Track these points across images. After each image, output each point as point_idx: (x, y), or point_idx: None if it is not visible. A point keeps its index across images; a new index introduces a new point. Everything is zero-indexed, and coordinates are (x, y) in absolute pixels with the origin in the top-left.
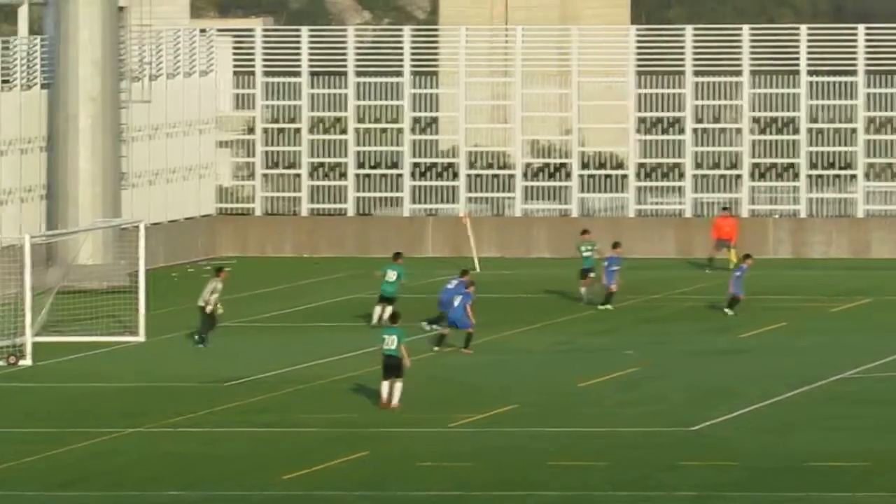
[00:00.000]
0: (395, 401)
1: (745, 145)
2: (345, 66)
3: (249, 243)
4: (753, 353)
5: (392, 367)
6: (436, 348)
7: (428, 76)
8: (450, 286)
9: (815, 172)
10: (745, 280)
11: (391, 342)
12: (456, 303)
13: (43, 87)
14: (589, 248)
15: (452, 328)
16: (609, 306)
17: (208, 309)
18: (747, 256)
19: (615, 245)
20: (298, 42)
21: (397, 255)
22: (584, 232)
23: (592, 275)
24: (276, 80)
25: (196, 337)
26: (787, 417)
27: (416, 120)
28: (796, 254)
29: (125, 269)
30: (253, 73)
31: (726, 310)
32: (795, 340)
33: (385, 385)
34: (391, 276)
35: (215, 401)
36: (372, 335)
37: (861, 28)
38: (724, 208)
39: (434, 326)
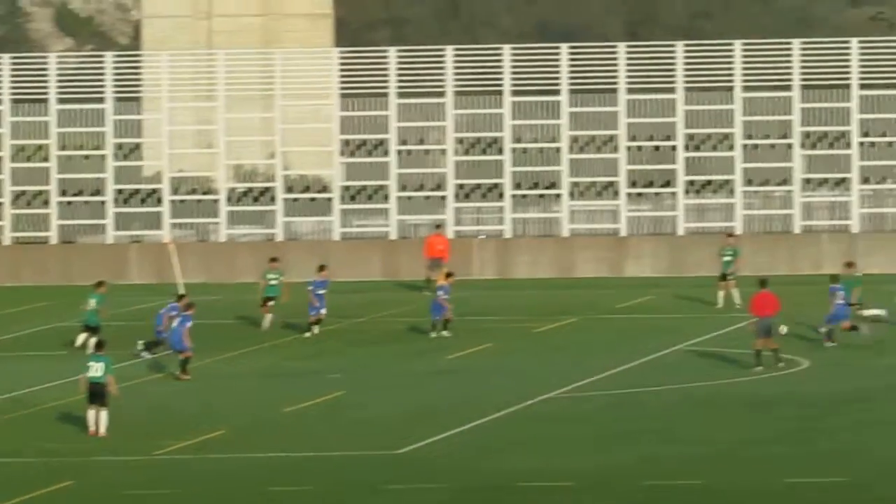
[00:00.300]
0: (102, 429)
1: (449, 166)
2: (47, 93)
3: None
4: (460, 374)
5: (97, 395)
6: (145, 354)
7: (131, 102)
8: (163, 311)
9: (519, 192)
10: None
11: (96, 369)
12: (174, 325)
13: None
14: (275, 276)
15: (173, 352)
16: (316, 330)
17: None
18: (449, 275)
19: (321, 268)
20: None
21: (99, 284)
22: (273, 260)
23: (272, 303)
24: None
25: None
26: (494, 438)
27: (119, 146)
28: (501, 274)
29: None
30: None
31: (444, 332)
32: (501, 361)
33: (91, 413)
34: (91, 304)
35: None
36: (77, 363)
37: (564, 47)
38: (437, 226)
39: (144, 354)
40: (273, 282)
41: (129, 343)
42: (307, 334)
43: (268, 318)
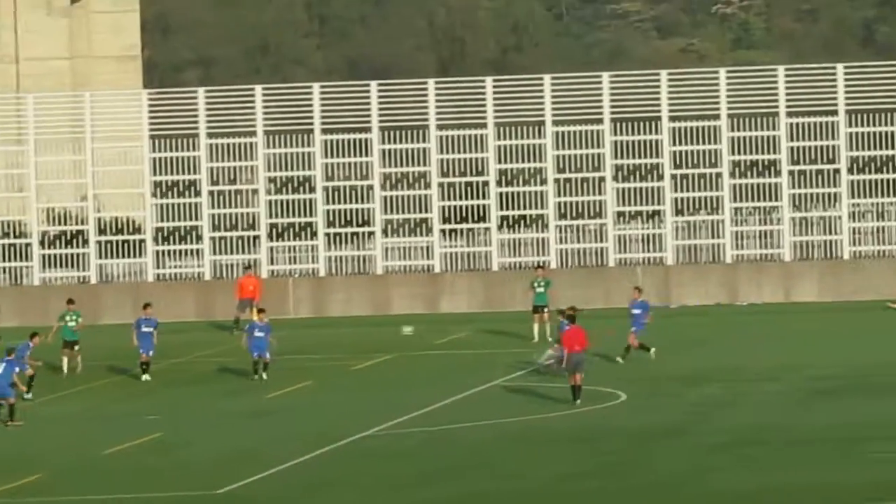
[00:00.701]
0: None
1: (262, 206)
2: None
3: None
4: (280, 413)
5: None
6: None
7: None
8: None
9: (332, 231)
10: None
11: None
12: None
13: None
14: (73, 317)
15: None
16: (147, 376)
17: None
18: (261, 311)
19: (146, 306)
20: None
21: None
22: (70, 301)
23: (77, 348)
24: None
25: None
26: (317, 476)
27: None
28: (317, 312)
29: None
30: None
31: (263, 375)
32: (321, 399)
33: None
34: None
35: None
36: None
37: (374, 85)
38: (247, 267)
39: None
40: (71, 323)
41: None
42: (145, 377)
43: (66, 362)
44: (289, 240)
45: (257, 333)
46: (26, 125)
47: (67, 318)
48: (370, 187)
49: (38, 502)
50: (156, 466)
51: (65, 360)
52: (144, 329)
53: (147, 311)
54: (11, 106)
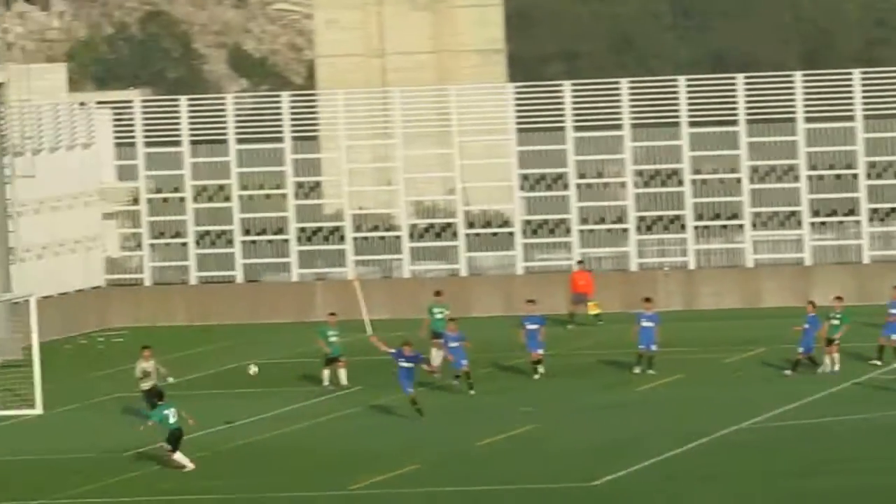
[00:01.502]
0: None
1: (630, 199)
2: (225, 133)
3: (141, 313)
4: (651, 406)
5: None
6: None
7: (308, 141)
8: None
9: (701, 223)
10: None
11: (172, 416)
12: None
13: None
14: (441, 309)
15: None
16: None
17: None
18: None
19: (530, 301)
20: (178, 112)
21: (332, 315)
22: (438, 293)
23: (442, 340)
24: (157, 150)
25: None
26: (693, 468)
27: (300, 185)
28: (687, 305)
29: (19, 343)
30: (134, 144)
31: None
32: (692, 392)
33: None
34: (332, 336)
35: (116, 471)
36: (283, 398)
37: (741, 78)
38: (579, 262)
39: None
40: (439, 315)
41: (317, 379)
42: (536, 375)
43: (438, 355)
44: (657, 232)
45: (529, 326)
46: (393, 119)
47: (435, 310)
48: (738, 180)
49: (415, 492)
50: (528, 458)
51: (433, 351)
52: (530, 327)
53: (530, 308)
54: (378, 100)
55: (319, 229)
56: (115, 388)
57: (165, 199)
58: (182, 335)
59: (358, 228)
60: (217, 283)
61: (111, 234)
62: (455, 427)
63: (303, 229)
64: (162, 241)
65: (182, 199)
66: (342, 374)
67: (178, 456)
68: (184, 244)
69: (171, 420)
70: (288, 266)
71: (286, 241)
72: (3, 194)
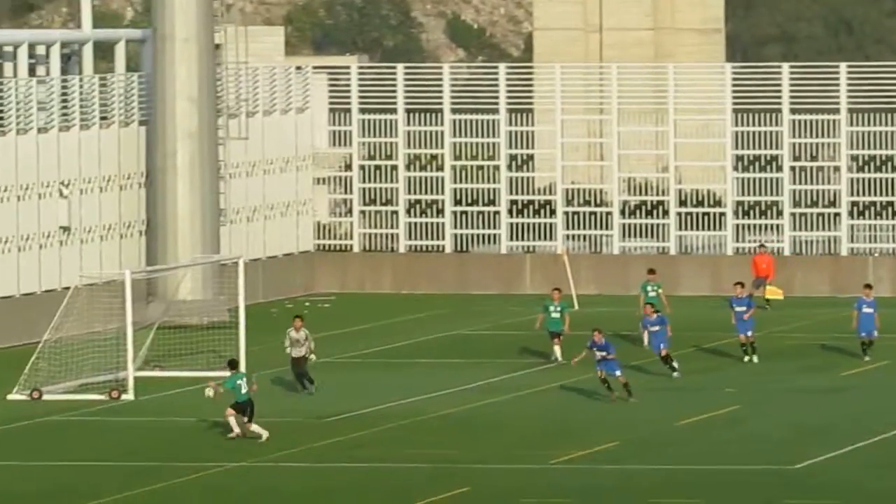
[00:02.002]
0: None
1: (843, 183)
2: (440, 103)
3: (348, 279)
4: (856, 391)
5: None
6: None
7: (523, 113)
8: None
9: None
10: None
11: (242, 387)
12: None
13: (140, 123)
14: (654, 287)
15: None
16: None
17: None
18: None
19: (738, 284)
20: (394, 79)
21: (556, 290)
22: (651, 271)
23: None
24: (371, 117)
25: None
26: (890, 456)
27: (513, 157)
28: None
29: (225, 305)
30: (349, 110)
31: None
32: None
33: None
34: (554, 311)
35: (317, 436)
36: (486, 370)
37: None
38: (761, 245)
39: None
40: (651, 293)
41: (521, 351)
42: (746, 358)
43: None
44: (869, 218)
45: (738, 308)
46: (609, 95)
47: (648, 288)
48: None
49: (613, 469)
50: (728, 439)
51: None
52: (738, 309)
53: (738, 291)
54: (594, 75)
55: (531, 202)
56: (319, 353)
57: (377, 167)
58: (388, 303)
59: (569, 203)
60: (425, 253)
61: (321, 199)
62: (657, 406)
63: (514, 202)
64: (372, 208)
65: (394, 167)
66: (557, 350)
67: (255, 427)
68: (394, 212)
69: (243, 391)
70: (497, 238)
71: (497, 212)
72: (216, 155)
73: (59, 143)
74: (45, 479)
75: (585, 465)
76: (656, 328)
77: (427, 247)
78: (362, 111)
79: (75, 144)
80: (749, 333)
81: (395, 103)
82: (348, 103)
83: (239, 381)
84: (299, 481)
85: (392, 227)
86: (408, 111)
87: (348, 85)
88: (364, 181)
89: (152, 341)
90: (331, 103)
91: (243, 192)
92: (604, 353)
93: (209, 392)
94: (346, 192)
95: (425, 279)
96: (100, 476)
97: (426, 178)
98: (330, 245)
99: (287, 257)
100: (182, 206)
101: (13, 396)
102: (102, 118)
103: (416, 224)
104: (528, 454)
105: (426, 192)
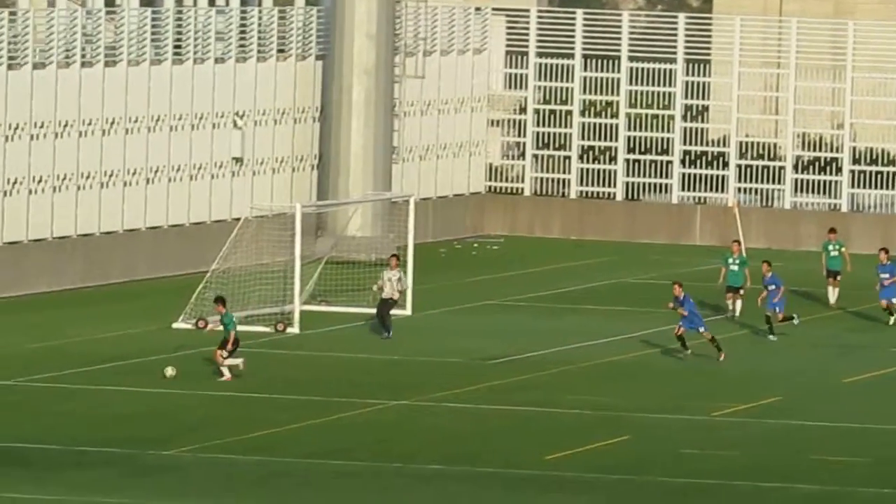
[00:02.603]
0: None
1: None
2: (618, 50)
3: (518, 223)
4: None
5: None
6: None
7: (700, 64)
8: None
9: None
10: None
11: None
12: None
13: (317, 58)
14: (835, 247)
15: None
16: None
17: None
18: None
19: (883, 250)
20: (573, 25)
21: (736, 242)
22: (832, 231)
23: (839, 277)
24: (548, 61)
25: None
26: None
27: (688, 107)
28: None
29: (393, 243)
30: (526, 53)
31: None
32: None
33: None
34: (733, 264)
35: (480, 378)
36: (650, 319)
37: None
38: None
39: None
40: (833, 253)
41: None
42: (891, 321)
43: (834, 293)
44: None
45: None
46: (788, 49)
47: (830, 247)
48: None
49: (775, 423)
50: (894, 399)
51: (829, 289)
52: (882, 275)
53: (882, 257)
54: (774, 29)
55: (704, 153)
56: (485, 295)
57: (552, 111)
58: (556, 247)
59: (742, 156)
60: (596, 199)
61: (495, 141)
62: (823, 362)
63: (687, 152)
64: (545, 152)
65: (569, 113)
66: (737, 305)
67: (230, 361)
68: (566, 157)
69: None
70: (669, 187)
71: (669, 162)
72: (391, 93)
73: (235, 73)
74: (214, 406)
75: (748, 419)
76: (772, 287)
77: (598, 193)
78: (539, 55)
79: (251, 76)
80: (894, 300)
81: (572, 48)
82: (525, 47)
83: (235, 319)
84: (460, 422)
85: (564, 172)
86: (585, 57)
87: (526, 28)
88: (538, 125)
89: (320, 276)
90: (508, 46)
91: (417, 130)
92: (680, 309)
93: (170, 371)
94: (519, 136)
95: (594, 226)
96: (268, 408)
97: (600, 125)
98: (501, 187)
99: (458, 198)
100: (355, 143)
101: (178, 325)
102: (280, 51)
103: (587, 170)
104: (689, 405)
105: (600, 139)
